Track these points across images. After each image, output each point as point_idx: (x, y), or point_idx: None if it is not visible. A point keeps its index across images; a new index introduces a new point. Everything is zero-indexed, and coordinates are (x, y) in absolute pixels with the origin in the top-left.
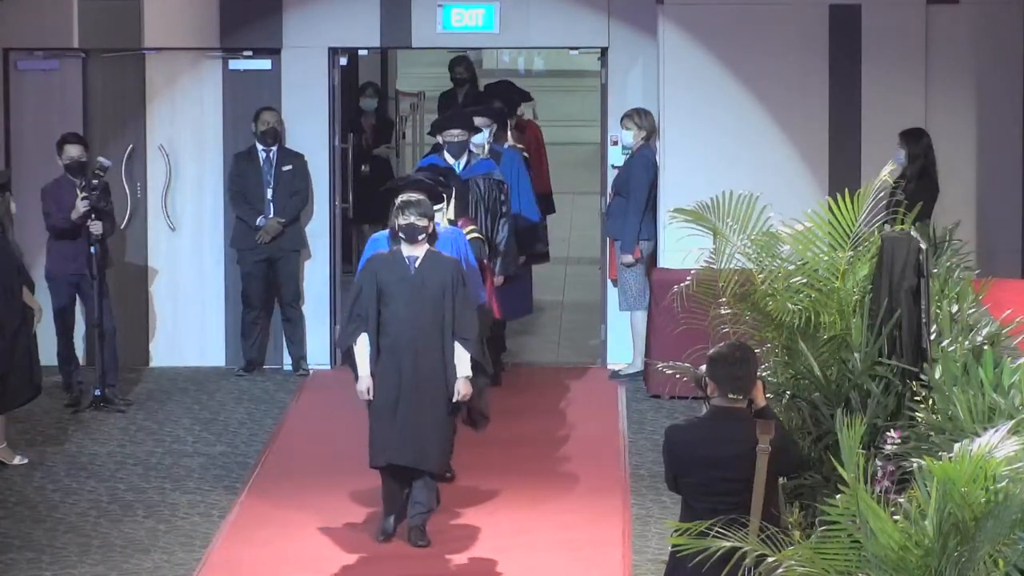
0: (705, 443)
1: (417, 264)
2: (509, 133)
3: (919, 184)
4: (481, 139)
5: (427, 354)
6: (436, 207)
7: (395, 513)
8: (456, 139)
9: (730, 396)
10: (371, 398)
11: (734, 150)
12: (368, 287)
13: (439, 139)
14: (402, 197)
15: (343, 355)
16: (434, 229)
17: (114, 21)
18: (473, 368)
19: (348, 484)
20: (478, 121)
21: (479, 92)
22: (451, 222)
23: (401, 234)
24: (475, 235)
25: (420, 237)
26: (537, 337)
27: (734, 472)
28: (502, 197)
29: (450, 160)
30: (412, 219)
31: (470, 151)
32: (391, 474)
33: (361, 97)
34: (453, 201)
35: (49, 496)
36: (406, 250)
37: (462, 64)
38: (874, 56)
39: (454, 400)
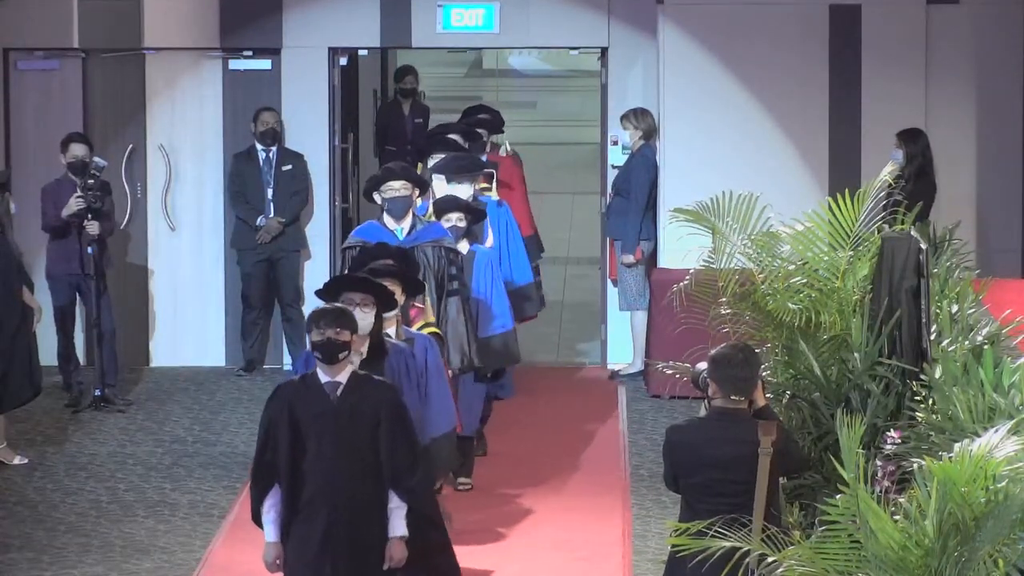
0: (707, 444)
1: (340, 392)
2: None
3: (917, 184)
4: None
5: (360, 508)
6: (416, 298)
7: None
8: (398, 194)
9: (732, 397)
10: (280, 572)
11: (734, 150)
12: (278, 426)
13: (376, 197)
14: (315, 308)
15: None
16: (380, 341)
17: (114, 21)
18: (423, 522)
19: None
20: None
21: (424, 106)
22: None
23: (316, 353)
24: (431, 329)
25: (341, 356)
26: (537, 337)
27: (736, 473)
28: (452, 270)
29: (390, 224)
30: (328, 334)
31: (415, 212)
32: None
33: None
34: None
35: (49, 496)
36: (324, 374)
37: (412, 73)
38: (874, 56)
39: (385, 568)
